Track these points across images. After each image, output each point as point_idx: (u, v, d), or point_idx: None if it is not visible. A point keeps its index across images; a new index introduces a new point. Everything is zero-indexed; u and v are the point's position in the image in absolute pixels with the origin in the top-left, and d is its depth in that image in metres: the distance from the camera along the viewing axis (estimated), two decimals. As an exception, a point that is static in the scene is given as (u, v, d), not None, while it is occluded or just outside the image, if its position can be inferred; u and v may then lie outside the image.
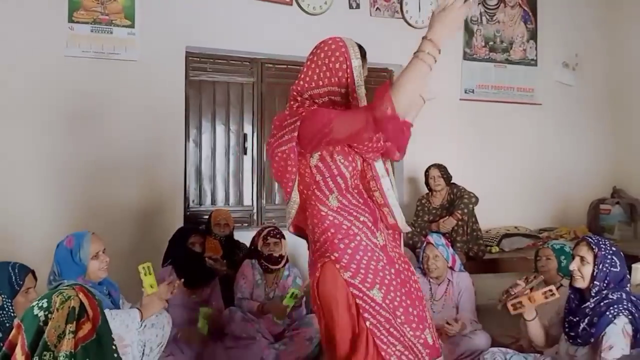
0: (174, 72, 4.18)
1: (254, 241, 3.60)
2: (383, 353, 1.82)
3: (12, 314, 2.19)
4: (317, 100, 1.92)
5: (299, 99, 1.93)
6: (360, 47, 2.01)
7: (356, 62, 1.93)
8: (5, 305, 2.18)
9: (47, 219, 3.75)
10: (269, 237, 3.52)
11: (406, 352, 1.86)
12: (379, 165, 1.94)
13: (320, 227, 1.88)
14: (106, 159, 3.98)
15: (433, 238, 3.48)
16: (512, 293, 2.63)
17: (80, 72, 3.91)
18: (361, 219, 1.90)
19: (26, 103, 3.80)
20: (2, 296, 2.18)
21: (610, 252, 2.44)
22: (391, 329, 1.84)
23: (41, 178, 3.82)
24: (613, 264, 2.42)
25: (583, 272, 2.45)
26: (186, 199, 4.32)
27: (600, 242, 2.48)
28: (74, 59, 3.89)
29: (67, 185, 3.87)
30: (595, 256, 2.43)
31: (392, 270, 1.90)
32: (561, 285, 3.15)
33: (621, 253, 2.49)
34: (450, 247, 3.54)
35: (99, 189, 3.95)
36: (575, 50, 5.44)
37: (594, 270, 2.42)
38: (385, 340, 1.83)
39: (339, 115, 1.82)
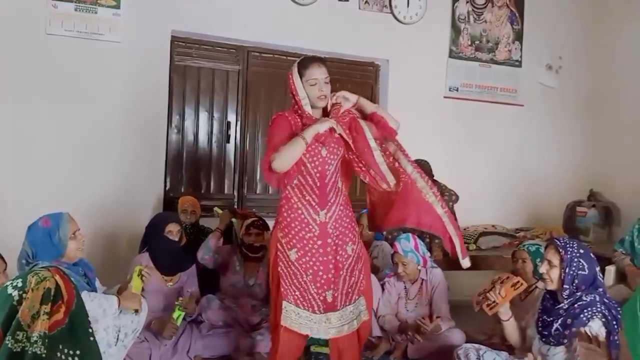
0: (159, 56, 4.13)
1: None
2: (284, 292, 2.51)
3: None
4: None
5: None
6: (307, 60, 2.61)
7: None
8: None
9: (24, 201, 3.68)
10: (251, 228, 3.52)
11: (301, 299, 2.51)
12: None
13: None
14: (86, 141, 3.92)
15: (401, 245, 3.42)
16: (484, 293, 2.65)
17: (63, 52, 3.83)
18: (307, 198, 2.53)
19: (6, 81, 3.71)
20: None
21: (578, 254, 2.42)
22: (294, 281, 2.51)
23: (19, 158, 3.74)
24: (581, 267, 2.40)
25: (551, 275, 2.45)
26: (166, 185, 4.29)
27: (568, 245, 2.45)
28: (56, 38, 3.81)
29: (46, 166, 3.80)
30: (561, 259, 2.43)
31: (319, 242, 2.52)
32: (536, 287, 3.19)
33: (591, 255, 2.46)
34: (420, 248, 3.47)
35: (78, 171, 3.89)
36: (560, 53, 5.50)
37: (561, 274, 2.42)
38: (289, 282, 2.52)
39: None
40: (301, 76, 2.51)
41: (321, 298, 2.52)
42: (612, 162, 5.36)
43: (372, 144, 2.56)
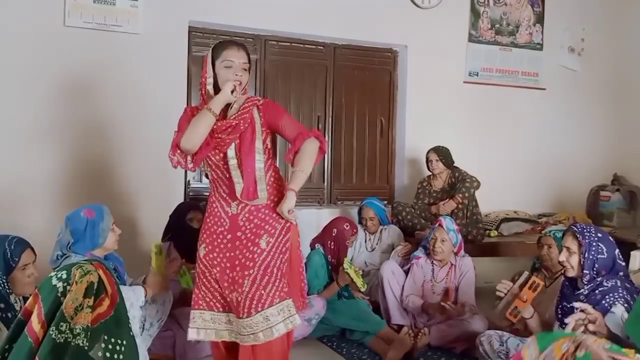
0: (177, 47, 4.13)
1: None
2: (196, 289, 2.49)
3: (8, 291, 2.17)
4: None
5: None
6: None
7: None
8: (0, 282, 2.14)
9: (45, 191, 3.73)
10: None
11: (209, 295, 2.44)
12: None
13: None
14: (106, 133, 3.95)
15: (446, 222, 3.47)
16: (503, 295, 2.59)
17: (81, 43, 3.84)
18: (219, 190, 2.43)
19: (25, 72, 3.74)
20: None
21: (596, 239, 2.39)
22: (203, 279, 2.46)
23: (41, 149, 3.79)
24: (600, 251, 2.38)
25: (571, 262, 2.42)
26: (186, 175, 4.31)
27: (585, 230, 2.42)
28: (75, 30, 3.83)
29: (67, 157, 3.84)
30: (579, 245, 2.40)
31: (229, 237, 2.38)
32: (562, 274, 3.15)
33: (609, 238, 2.43)
34: (460, 233, 3.55)
35: (99, 163, 3.93)
36: (582, 35, 5.39)
37: (580, 260, 2.39)
38: (199, 282, 2.49)
39: None
40: (216, 58, 2.32)
41: (228, 299, 2.38)
42: (636, 145, 5.26)
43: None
